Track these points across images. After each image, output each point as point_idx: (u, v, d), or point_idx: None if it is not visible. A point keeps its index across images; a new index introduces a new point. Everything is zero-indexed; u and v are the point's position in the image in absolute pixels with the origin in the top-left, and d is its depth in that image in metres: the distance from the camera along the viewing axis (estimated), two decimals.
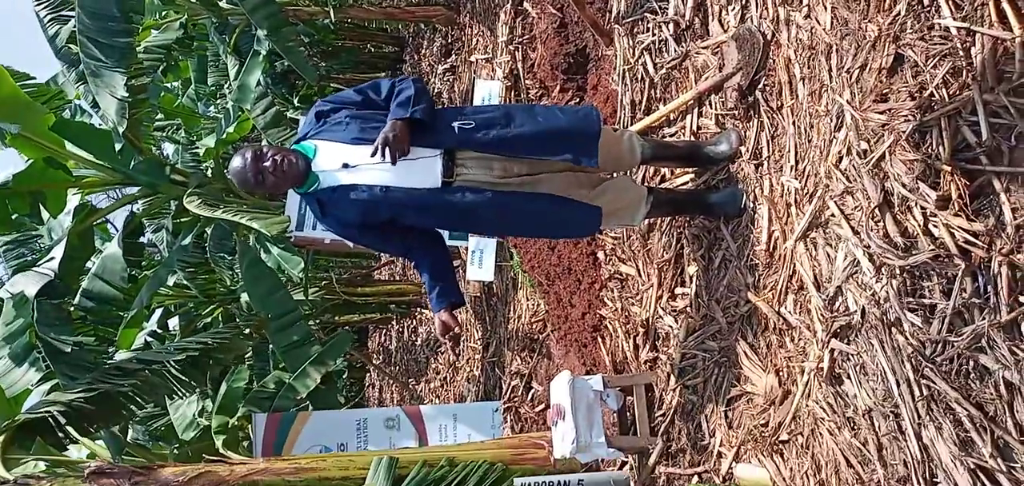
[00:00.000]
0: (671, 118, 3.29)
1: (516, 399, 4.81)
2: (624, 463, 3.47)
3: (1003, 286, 1.93)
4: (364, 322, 8.12)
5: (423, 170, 2.53)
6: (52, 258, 5.46)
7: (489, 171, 2.57)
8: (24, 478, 3.61)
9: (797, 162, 2.63)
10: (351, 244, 5.50)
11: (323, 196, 2.62)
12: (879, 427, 2.16)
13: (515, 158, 2.58)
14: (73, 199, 6.03)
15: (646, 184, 3.36)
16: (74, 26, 5.05)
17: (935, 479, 2.00)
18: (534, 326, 4.73)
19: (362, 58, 8.14)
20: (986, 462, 1.89)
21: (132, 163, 5.73)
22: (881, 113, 2.27)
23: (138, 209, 6.28)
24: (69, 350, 4.59)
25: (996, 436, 1.89)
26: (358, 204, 2.58)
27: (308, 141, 2.63)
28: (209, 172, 6.02)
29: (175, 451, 5.63)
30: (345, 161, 2.54)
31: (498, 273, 4.98)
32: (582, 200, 2.69)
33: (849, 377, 2.28)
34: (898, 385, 2.09)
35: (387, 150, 2.41)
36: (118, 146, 5.56)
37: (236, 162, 2.59)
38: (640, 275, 3.47)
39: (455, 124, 2.53)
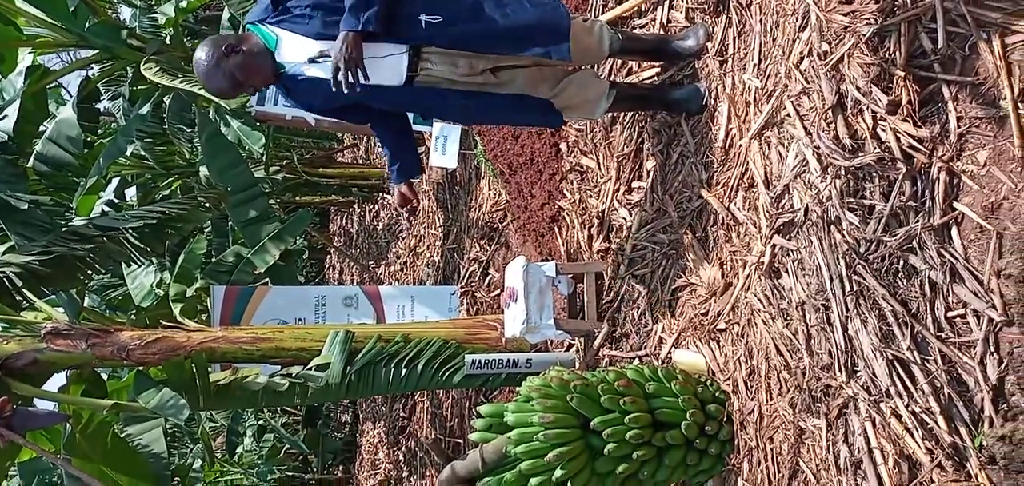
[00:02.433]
0: (642, 9, 3.26)
1: (473, 284, 4.90)
2: (571, 345, 3.60)
3: (939, 191, 2.01)
4: (326, 204, 8.09)
5: (388, 68, 2.51)
6: (5, 117, 5.30)
7: (454, 67, 2.55)
8: None
9: (760, 60, 2.65)
10: (313, 122, 5.44)
11: (289, 82, 2.61)
12: (809, 319, 2.27)
13: (482, 55, 2.57)
14: (25, 58, 5.80)
15: (611, 78, 3.35)
16: None
17: (855, 368, 2.13)
18: (494, 215, 4.78)
19: None
20: (903, 354, 2.01)
21: (87, 24, 5.51)
22: (845, 15, 2.28)
23: (93, 73, 6.08)
24: (25, 207, 4.53)
25: (915, 331, 2.01)
26: (325, 94, 2.56)
27: (268, 28, 2.54)
28: (168, 39, 5.81)
29: (132, 318, 5.65)
30: (310, 56, 2.51)
31: (461, 161, 4.98)
32: (544, 97, 2.72)
33: (787, 271, 2.38)
34: (831, 280, 2.19)
35: (346, 73, 2.38)
36: (72, 5, 5.33)
37: (201, 69, 2.51)
38: (600, 168, 3.51)
39: (422, 17, 2.47)
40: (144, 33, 5.87)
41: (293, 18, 2.48)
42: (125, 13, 7.88)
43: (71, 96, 6.31)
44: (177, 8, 6.00)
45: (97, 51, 5.77)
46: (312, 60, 2.49)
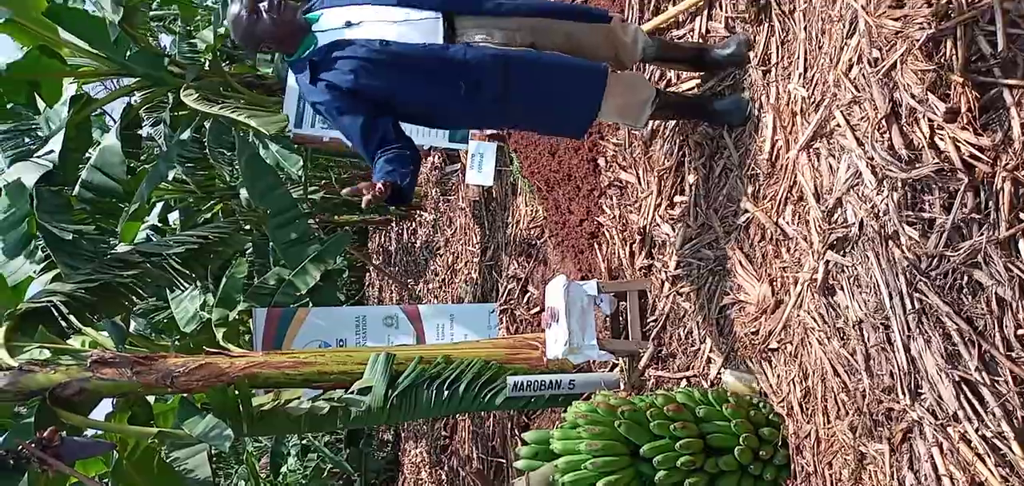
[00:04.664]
0: (680, 20, 3.19)
1: (512, 302, 4.86)
2: (614, 365, 3.53)
3: (1004, 202, 1.90)
4: (364, 223, 8.14)
5: (424, 30, 2.50)
6: (51, 151, 5.42)
7: (490, 39, 2.56)
8: (28, 364, 3.68)
9: (806, 69, 2.57)
10: (349, 144, 5.46)
11: (317, 56, 2.53)
12: (868, 338, 2.17)
13: (516, 22, 2.55)
14: (69, 89, 5.95)
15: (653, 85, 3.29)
16: None
17: (920, 389, 2.02)
18: (532, 231, 4.73)
19: None
20: (971, 375, 1.90)
21: (128, 53, 5.62)
22: (896, 20, 2.19)
23: (135, 101, 6.20)
24: (69, 238, 4.61)
25: (983, 350, 1.90)
26: (354, 63, 2.48)
27: (314, 11, 2.62)
28: (207, 65, 5.90)
29: (176, 343, 5.73)
30: (348, 19, 2.53)
31: (497, 178, 4.95)
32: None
33: (842, 289, 2.28)
34: (891, 298, 2.09)
35: None
36: (113, 35, 5.44)
37: (233, 8, 2.55)
38: (640, 183, 3.43)
39: None
40: (183, 59, 5.97)
41: None
42: (165, 40, 8.05)
43: (115, 123, 6.45)
44: (215, 34, 6.10)
45: (139, 79, 5.89)
46: (349, 23, 2.50)
